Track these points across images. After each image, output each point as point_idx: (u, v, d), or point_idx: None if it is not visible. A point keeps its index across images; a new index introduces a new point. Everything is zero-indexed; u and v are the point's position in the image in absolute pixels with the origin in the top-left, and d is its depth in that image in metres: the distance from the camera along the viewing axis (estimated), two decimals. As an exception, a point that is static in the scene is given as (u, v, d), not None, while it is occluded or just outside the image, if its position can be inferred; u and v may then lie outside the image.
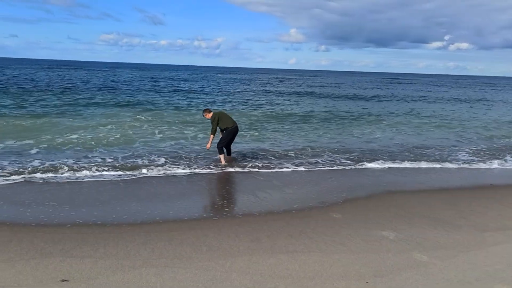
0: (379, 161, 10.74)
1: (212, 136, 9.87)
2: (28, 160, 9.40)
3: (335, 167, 10.06)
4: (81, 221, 5.84)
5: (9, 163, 9.06)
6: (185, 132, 14.32)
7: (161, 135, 13.57)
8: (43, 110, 18.58)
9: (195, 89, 37.96)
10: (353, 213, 6.61)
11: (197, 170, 9.24)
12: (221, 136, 10.14)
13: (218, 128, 10.01)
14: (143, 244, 5.06)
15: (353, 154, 11.63)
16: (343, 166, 10.21)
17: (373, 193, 7.88)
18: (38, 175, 8.32)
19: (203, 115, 10.23)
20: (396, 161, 10.90)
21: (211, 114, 10.04)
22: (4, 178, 7.99)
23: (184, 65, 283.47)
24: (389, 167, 10.25)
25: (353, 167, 10.17)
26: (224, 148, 10.16)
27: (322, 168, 9.89)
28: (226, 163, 9.90)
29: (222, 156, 10.02)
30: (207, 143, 10.16)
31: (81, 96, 25.56)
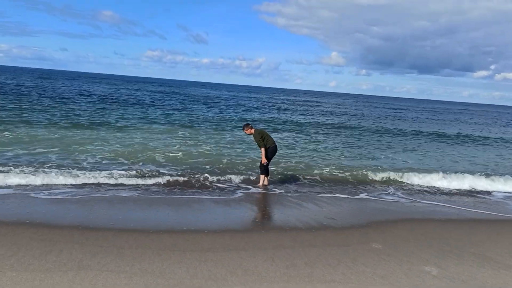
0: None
1: (263, 149, 9.57)
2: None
3: (376, 195, 9.76)
4: (119, 233, 5.88)
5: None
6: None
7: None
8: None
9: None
10: (394, 244, 6.33)
11: (235, 190, 9.19)
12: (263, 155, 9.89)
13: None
14: (178, 263, 5.01)
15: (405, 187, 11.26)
16: (385, 193, 9.89)
17: (416, 223, 7.55)
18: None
19: (243, 130, 10.00)
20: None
21: (253, 130, 9.81)
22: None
23: (224, 84, 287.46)
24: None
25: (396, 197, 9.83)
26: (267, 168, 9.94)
27: (362, 196, 9.61)
28: (266, 184, 9.79)
29: (263, 177, 9.87)
30: (262, 158, 9.66)
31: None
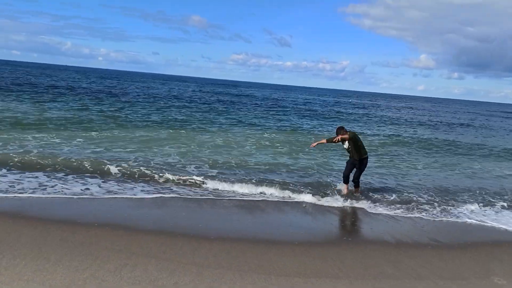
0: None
1: (324, 141, 9.22)
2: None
3: (484, 219, 8.31)
4: (198, 247, 5.35)
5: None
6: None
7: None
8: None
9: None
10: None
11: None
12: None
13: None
14: (262, 291, 4.34)
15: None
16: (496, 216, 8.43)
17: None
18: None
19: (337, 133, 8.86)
20: None
21: (347, 134, 8.76)
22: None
23: (307, 87, 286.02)
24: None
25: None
26: (349, 177, 9.06)
27: (469, 221, 7.97)
28: (346, 194, 8.94)
29: (344, 187, 9.13)
30: (315, 142, 9.44)
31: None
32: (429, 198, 9.28)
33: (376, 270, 5.14)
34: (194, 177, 9.23)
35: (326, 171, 11.24)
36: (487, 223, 7.78)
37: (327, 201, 8.33)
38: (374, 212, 7.96)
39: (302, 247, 5.72)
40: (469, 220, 7.85)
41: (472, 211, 8.49)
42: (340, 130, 8.87)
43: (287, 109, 36.15)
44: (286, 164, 11.82)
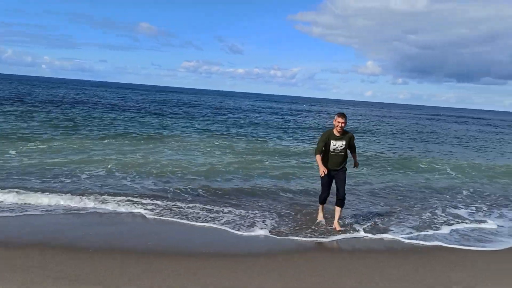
0: None
1: (318, 156, 6.82)
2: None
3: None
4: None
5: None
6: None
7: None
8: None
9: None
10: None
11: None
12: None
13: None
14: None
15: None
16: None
17: None
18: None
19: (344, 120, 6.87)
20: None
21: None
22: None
23: (259, 93, 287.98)
24: None
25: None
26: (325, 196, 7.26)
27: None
28: (323, 220, 7.43)
29: (320, 208, 7.55)
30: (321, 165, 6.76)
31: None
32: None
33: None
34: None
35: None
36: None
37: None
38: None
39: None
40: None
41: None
42: (343, 116, 6.91)
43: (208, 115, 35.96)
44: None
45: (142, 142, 16.16)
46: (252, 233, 6.65)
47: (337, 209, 7.17)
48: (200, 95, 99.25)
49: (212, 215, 7.46)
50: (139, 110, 33.94)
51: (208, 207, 7.95)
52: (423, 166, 14.95)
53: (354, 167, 7.43)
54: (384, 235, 6.97)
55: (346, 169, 7.15)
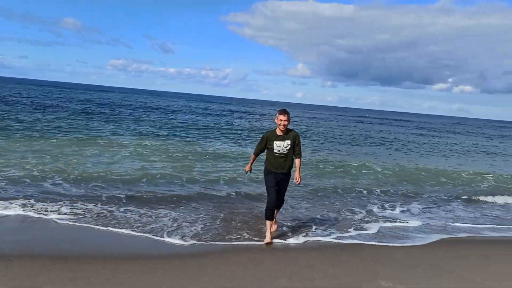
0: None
1: (252, 155, 6.67)
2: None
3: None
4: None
5: None
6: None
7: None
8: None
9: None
10: (408, 281, 5.36)
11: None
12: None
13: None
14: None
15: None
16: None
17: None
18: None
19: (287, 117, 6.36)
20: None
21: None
22: None
23: (191, 94, 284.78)
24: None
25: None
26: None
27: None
28: (271, 236, 6.67)
29: (268, 224, 6.70)
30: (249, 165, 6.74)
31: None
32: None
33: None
34: None
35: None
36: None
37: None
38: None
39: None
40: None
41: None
42: (286, 113, 6.36)
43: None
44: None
45: (67, 144, 15.32)
46: (176, 239, 6.42)
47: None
48: (130, 94, 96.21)
49: (140, 220, 7.23)
50: (64, 109, 32.18)
51: (136, 212, 7.70)
52: (352, 167, 15.47)
53: (295, 180, 6.47)
54: (312, 238, 7.08)
55: (290, 174, 6.64)
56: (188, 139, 20.83)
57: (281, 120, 6.31)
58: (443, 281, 5.45)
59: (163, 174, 11.24)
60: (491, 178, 15.46)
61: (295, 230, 7.42)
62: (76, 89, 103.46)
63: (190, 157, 14.64)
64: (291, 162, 6.51)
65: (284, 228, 7.40)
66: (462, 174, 15.67)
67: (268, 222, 6.65)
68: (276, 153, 6.40)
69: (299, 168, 6.49)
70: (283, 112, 6.35)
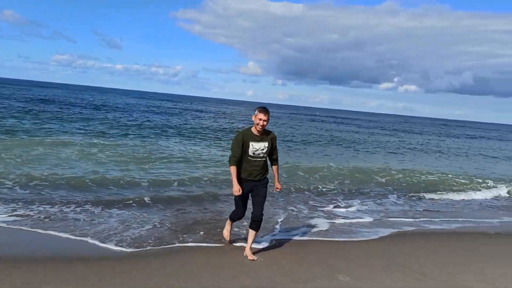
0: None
1: (233, 168, 5.52)
2: None
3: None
4: None
5: None
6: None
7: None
8: None
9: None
10: (365, 275, 5.55)
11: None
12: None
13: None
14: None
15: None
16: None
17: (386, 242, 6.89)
18: None
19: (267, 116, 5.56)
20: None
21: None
22: None
23: (141, 91, 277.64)
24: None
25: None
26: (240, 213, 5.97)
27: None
28: (229, 237, 6.35)
29: (228, 225, 6.32)
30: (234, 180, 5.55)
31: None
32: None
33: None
34: None
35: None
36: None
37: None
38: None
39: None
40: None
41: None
42: (266, 112, 5.53)
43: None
44: None
45: (8, 145, 14.38)
46: (115, 243, 6.16)
47: (251, 232, 5.80)
48: (76, 91, 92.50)
49: (84, 224, 6.96)
50: (5, 107, 30.41)
51: (81, 215, 7.45)
52: (303, 166, 15.49)
53: (275, 189, 6.03)
54: (265, 237, 7.18)
55: (267, 181, 5.84)
56: (139, 139, 20.20)
57: (260, 119, 5.49)
58: (397, 274, 5.71)
59: (112, 175, 10.87)
60: (430, 176, 16.03)
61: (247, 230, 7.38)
62: (18, 85, 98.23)
63: (141, 157, 14.24)
64: (266, 168, 5.79)
65: (236, 229, 7.15)
66: (406, 171, 16.23)
67: (229, 221, 6.24)
68: (250, 156, 5.57)
69: (277, 172, 5.99)
70: (263, 110, 5.54)
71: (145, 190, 9.83)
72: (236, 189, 5.48)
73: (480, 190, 13.46)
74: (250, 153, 5.57)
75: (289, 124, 47.68)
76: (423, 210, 10.34)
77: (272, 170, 5.98)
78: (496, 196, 13.08)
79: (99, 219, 7.29)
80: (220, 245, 6.45)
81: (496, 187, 14.21)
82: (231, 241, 6.44)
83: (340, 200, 10.61)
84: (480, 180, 15.33)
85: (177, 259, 5.69)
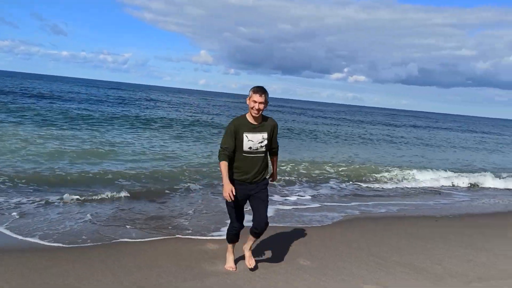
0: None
1: (223, 164, 4.33)
2: None
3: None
4: None
5: None
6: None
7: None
8: None
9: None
10: (324, 259, 5.83)
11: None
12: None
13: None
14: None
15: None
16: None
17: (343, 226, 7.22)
18: None
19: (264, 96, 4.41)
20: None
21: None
22: None
23: (89, 79, 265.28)
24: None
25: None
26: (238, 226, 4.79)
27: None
28: (234, 267, 5.03)
29: (230, 248, 5.03)
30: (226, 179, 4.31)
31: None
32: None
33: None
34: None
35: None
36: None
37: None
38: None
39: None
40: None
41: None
42: (263, 92, 4.36)
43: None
44: None
45: None
46: (39, 238, 5.91)
47: (250, 238, 4.89)
48: (19, 79, 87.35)
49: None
50: None
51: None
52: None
53: (271, 180, 4.98)
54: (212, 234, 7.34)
55: (268, 182, 4.76)
56: (85, 131, 18.55)
57: (255, 102, 4.32)
58: (354, 257, 6.01)
59: (54, 170, 10.14)
60: (370, 164, 16.64)
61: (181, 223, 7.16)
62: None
63: (89, 151, 13.31)
64: (266, 164, 4.66)
65: (170, 228, 6.86)
66: (350, 159, 16.81)
67: (229, 246, 4.99)
68: (245, 152, 4.44)
69: (276, 164, 5.00)
70: (258, 90, 4.35)
71: (90, 185, 9.25)
72: (228, 189, 4.17)
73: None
74: (245, 148, 4.41)
75: (242, 113, 47.48)
76: (368, 195, 11.03)
77: (270, 161, 4.95)
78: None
79: (28, 213, 7.00)
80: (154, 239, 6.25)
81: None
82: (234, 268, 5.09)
83: (289, 188, 10.95)
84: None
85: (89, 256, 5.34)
